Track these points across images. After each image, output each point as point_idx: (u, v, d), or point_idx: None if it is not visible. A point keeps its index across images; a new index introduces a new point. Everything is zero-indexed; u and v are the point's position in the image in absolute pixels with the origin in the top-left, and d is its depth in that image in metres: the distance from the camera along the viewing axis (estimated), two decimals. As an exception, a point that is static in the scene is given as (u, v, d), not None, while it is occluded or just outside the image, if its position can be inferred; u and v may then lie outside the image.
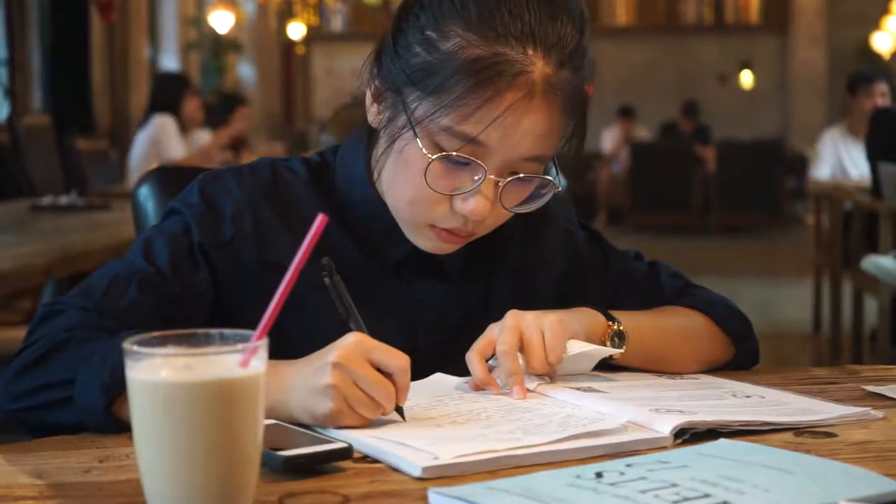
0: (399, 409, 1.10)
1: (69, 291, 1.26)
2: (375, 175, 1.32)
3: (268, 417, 1.12)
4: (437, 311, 1.34)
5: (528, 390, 1.21)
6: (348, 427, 1.06)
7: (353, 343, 1.08)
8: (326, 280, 1.17)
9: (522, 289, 1.40)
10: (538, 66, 1.19)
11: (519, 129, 1.20)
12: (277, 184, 1.35)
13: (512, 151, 1.21)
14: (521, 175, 1.24)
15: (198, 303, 1.28)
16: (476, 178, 1.22)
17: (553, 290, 1.43)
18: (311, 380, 1.07)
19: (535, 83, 1.19)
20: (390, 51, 1.25)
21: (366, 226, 1.33)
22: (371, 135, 1.33)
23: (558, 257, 1.45)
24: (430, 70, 1.20)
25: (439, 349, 1.32)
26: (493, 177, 1.22)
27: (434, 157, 1.21)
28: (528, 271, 1.42)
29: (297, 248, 1.28)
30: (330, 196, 1.35)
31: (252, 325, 1.25)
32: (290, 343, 1.16)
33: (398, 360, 1.09)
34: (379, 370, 1.08)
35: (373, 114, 1.30)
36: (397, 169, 1.26)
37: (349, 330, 1.13)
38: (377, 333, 1.12)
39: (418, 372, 1.18)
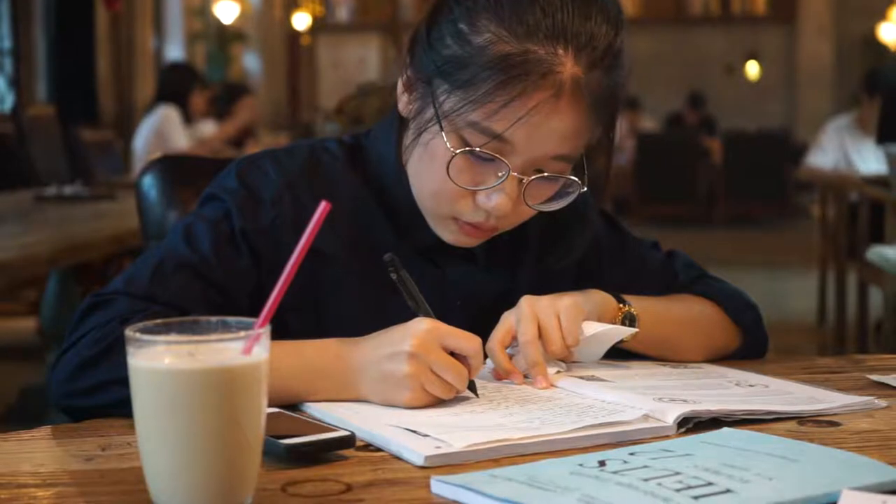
0: (472, 387, 1.14)
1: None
2: (404, 162, 1.32)
3: (335, 398, 1.14)
4: (466, 295, 1.34)
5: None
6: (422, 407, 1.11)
7: (427, 330, 1.12)
8: (393, 275, 1.19)
9: (546, 281, 1.38)
10: (567, 66, 1.19)
11: (544, 128, 1.20)
12: (316, 166, 1.35)
13: (537, 150, 1.21)
14: (546, 174, 1.24)
15: (241, 288, 1.27)
16: (500, 174, 1.22)
17: (572, 277, 1.43)
18: (387, 367, 1.11)
19: (563, 83, 1.18)
20: (423, 41, 1.25)
21: (399, 209, 1.33)
22: (401, 121, 1.32)
23: (578, 246, 1.45)
24: (460, 63, 1.20)
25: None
26: (516, 174, 1.22)
27: (458, 151, 1.21)
28: (551, 263, 1.41)
29: (335, 232, 1.29)
30: (365, 178, 1.35)
31: (289, 310, 1.26)
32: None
33: (471, 343, 1.14)
34: (452, 354, 1.12)
35: (403, 103, 1.30)
36: (423, 161, 1.26)
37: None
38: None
39: None
